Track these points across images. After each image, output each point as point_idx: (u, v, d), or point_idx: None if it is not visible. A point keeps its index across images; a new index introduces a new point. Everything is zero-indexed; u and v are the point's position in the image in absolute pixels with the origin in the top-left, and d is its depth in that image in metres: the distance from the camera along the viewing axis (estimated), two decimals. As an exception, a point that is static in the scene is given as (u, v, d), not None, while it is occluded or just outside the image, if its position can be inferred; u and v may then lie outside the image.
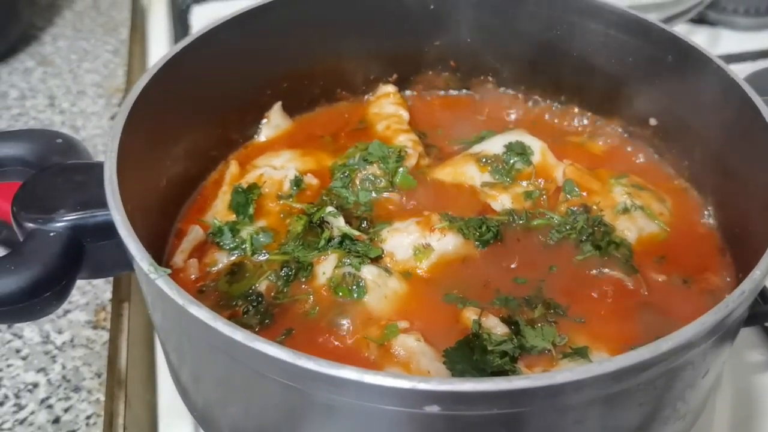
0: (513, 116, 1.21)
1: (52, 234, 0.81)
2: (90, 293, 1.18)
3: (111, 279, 1.20)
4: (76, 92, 1.60)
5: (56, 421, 1.01)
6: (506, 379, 0.62)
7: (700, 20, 1.75)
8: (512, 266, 0.96)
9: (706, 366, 0.76)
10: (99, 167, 0.82)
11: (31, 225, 0.81)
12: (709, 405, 0.95)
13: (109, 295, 1.18)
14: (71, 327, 1.13)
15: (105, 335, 1.12)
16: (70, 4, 1.89)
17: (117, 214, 0.76)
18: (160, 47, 1.78)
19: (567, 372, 0.62)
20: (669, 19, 1.59)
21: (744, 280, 0.72)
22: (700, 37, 1.73)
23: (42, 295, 0.78)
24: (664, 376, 0.70)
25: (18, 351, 1.10)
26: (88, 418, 1.02)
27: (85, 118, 1.53)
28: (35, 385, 1.05)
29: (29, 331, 1.12)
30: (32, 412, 1.02)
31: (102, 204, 0.79)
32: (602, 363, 0.63)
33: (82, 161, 0.90)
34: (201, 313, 0.67)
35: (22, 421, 1.01)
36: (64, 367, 1.08)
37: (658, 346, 0.65)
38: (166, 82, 0.95)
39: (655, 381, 0.69)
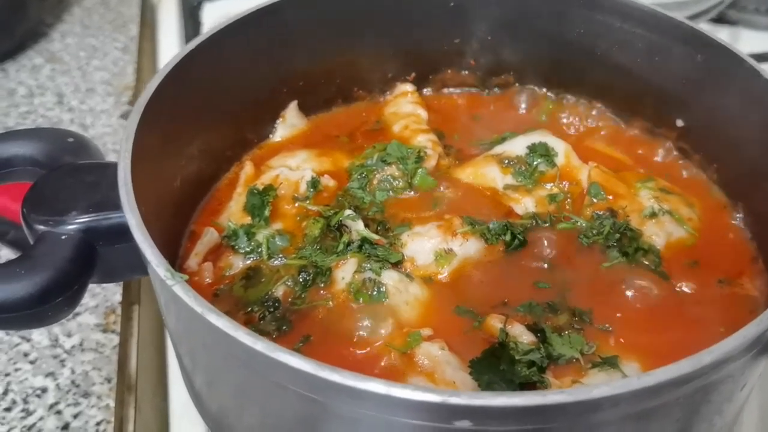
0: (534, 116, 1.18)
1: (63, 237, 0.78)
2: (100, 296, 1.16)
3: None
4: (85, 90, 1.57)
5: (65, 427, 0.99)
6: (541, 394, 0.59)
7: (720, 20, 1.72)
8: (536, 272, 0.93)
9: (744, 379, 0.73)
10: (112, 168, 0.79)
11: (41, 227, 0.79)
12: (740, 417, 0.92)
13: (119, 297, 1.16)
14: (80, 330, 1.11)
15: (115, 339, 1.10)
16: (79, 0, 1.87)
17: (132, 218, 0.73)
18: (170, 44, 1.75)
19: (604, 386, 0.60)
20: (690, 19, 1.56)
21: (786, 290, 0.69)
22: (720, 37, 1.69)
23: (53, 301, 0.76)
24: (702, 390, 0.67)
25: (26, 355, 1.07)
26: (98, 424, 1.00)
27: (94, 116, 1.50)
28: (44, 390, 1.03)
29: (38, 334, 1.10)
30: (41, 418, 1.00)
31: (115, 206, 0.76)
32: (641, 377, 0.60)
33: (94, 161, 0.88)
34: (220, 321, 0.64)
35: (30, 428, 0.99)
36: (73, 372, 1.05)
37: (699, 359, 0.62)
38: (179, 80, 0.93)
39: (694, 395, 0.67)
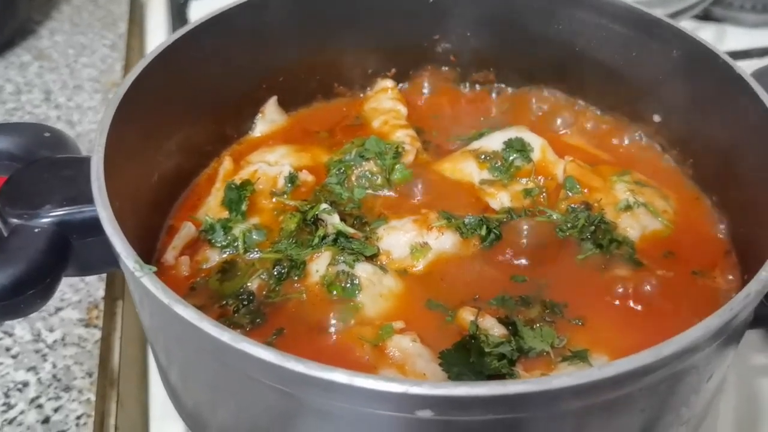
0: (513, 112, 1.18)
1: (37, 230, 0.78)
2: (83, 291, 1.16)
3: (104, 276, 1.18)
4: (73, 87, 1.58)
5: (46, 421, 0.99)
6: (501, 384, 0.60)
7: (705, 16, 1.72)
8: (510, 265, 0.93)
9: (710, 370, 0.73)
10: (87, 162, 0.80)
11: (15, 220, 0.79)
12: (712, 409, 0.92)
13: (102, 292, 1.16)
14: (63, 325, 1.11)
15: (97, 333, 1.10)
16: (68, -2, 1.87)
17: (103, 211, 0.74)
18: (158, 42, 1.74)
19: (565, 377, 0.60)
20: (674, 15, 1.56)
21: (750, 282, 0.70)
22: (705, 34, 1.70)
23: (26, 293, 0.76)
24: (667, 381, 0.67)
25: (8, 349, 1.08)
26: (78, 418, 1.00)
27: (82, 113, 1.51)
28: (25, 384, 1.03)
29: (20, 328, 1.10)
30: (21, 412, 1.00)
31: (89, 199, 0.77)
32: (602, 368, 0.61)
33: (70, 155, 0.88)
34: (187, 312, 0.65)
35: (11, 421, 0.99)
36: (54, 366, 1.06)
37: (660, 349, 0.62)
38: (158, 74, 0.93)
39: (658, 386, 0.67)
